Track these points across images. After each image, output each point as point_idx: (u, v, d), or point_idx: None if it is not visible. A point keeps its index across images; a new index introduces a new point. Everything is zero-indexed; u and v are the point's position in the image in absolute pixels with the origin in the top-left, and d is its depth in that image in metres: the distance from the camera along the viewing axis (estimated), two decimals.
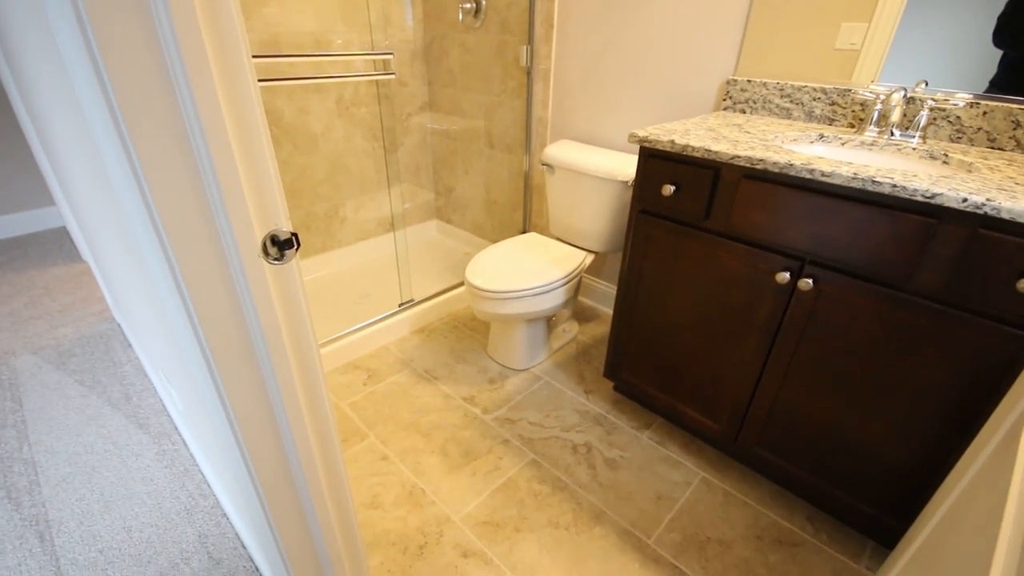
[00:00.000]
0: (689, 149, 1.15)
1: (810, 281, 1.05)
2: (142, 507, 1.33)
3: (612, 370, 1.60)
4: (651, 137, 1.21)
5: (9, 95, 2.26)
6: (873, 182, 0.92)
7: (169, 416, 1.63)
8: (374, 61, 2.06)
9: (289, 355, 0.63)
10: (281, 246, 0.57)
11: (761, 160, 1.04)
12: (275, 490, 0.73)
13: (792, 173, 1.01)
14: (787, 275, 1.08)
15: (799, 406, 1.19)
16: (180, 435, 1.56)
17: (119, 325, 2.10)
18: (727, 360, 1.29)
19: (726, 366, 1.30)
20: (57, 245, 2.78)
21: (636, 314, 1.45)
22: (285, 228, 0.57)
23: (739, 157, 1.07)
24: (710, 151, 1.11)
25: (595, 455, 1.49)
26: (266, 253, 0.56)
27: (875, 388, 1.06)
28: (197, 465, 1.45)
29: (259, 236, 0.55)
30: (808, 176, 0.99)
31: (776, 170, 1.03)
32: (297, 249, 0.59)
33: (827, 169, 0.96)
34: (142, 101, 0.45)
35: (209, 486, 1.39)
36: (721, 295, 1.24)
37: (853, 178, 0.93)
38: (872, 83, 1.27)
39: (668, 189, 1.20)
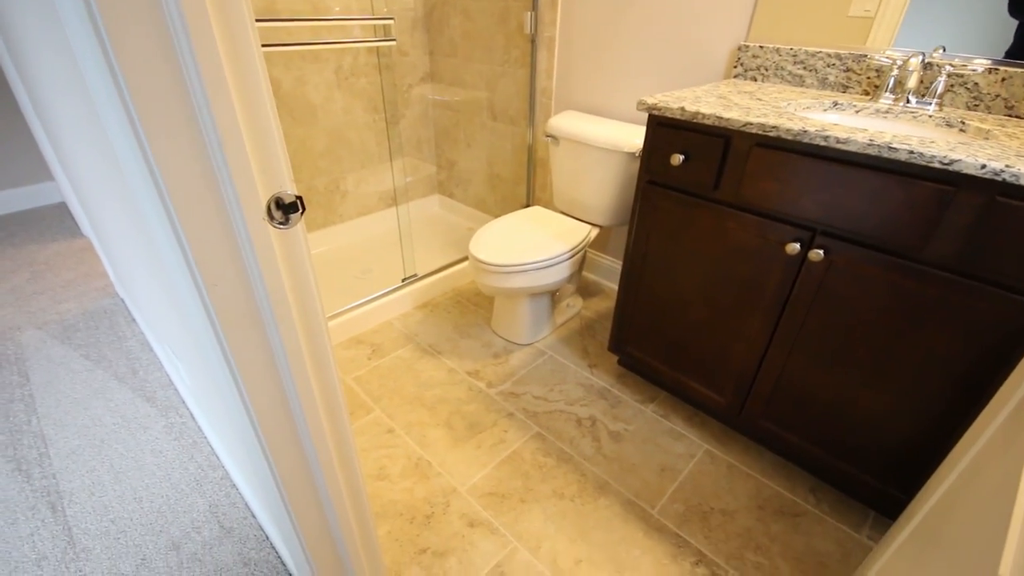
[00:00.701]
0: (699, 116, 1.12)
1: (821, 252, 1.04)
2: (152, 478, 1.34)
3: (617, 344, 1.59)
4: (660, 104, 1.18)
5: (5, 69, 2.21)
6: (889, 148, 0.89)
7: (176, 390, 1.64)
8: (374, 27, 2.00)
9: (296, 322, 0.63)
10: (286, 209, 0.55)
11: (774, 127, 1.01)
12: (286, 460, 0.74)
13: (806, 140, 0.98)
14: (797, 246, 1.07)
15: (805, 378, 1.19)
16: (188, 408, 1.57)
17: (122, 300, 2.09)
18: (734, 333, 1.28)
19: (732, 339, 1.29)
20: (57, 220, 2.76)
21: (642, 287, 1.44)
22: (290, 191, 0.55)
23: (751, 124, 1.04)
24: (721, 118, 1.08)
25: (599, 428, 1.50)
26: (271, 217, 0.55)
27: (883, 359, 1.05)
28: (205, 437, 1.47)
29: (263, 199, 0.54)
30: (822, 143, 0.96)
31: (789, 137, 1.00)
32: (302, 213, 0.57)
33: (842, 136, 0.94)
34: (144, 62, 0.43)
35: (218, 458, 1.40)
36: (729, 267, 1.22)
37: (869, 145, 0.91)
38: (888, 49, 1.23)
39: (677, 158, 1.18)
